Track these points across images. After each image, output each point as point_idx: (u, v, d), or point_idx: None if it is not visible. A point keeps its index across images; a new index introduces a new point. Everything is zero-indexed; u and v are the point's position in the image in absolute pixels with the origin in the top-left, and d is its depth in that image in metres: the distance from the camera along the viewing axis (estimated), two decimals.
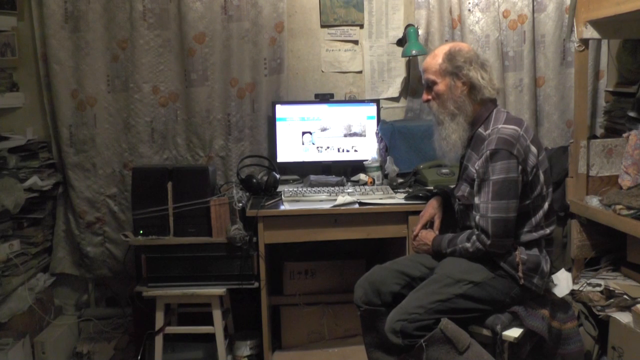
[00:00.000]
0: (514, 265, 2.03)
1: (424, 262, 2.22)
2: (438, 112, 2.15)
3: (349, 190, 2.73)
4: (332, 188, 2.78)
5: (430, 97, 2.16)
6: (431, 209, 2.32)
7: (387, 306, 2.12)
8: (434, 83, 2.13)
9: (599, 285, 2.48)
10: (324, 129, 3.09)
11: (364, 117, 3.10)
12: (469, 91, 2.09)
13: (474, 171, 2.06)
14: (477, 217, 2.02)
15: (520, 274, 2.02)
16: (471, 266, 2.05)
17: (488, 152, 1.98)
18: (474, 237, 2.04)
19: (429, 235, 2.24)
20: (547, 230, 2.09)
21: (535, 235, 2.06)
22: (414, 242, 2.30)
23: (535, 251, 2.06)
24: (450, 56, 2.10)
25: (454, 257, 2.12)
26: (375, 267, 2.27)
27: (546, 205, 2.07)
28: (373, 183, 2.88)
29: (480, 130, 2.10)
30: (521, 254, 2.03)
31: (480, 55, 2.16)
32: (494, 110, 2.11)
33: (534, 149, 2.03)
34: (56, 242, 3.08)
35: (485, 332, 2.05)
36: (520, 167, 1.98)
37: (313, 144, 3.09)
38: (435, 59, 2.13)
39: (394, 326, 1.97)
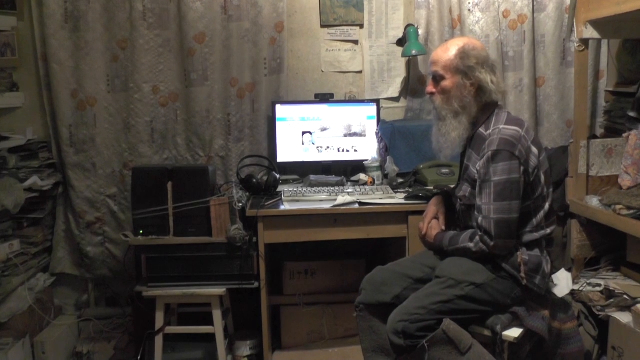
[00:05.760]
0: (516, 266, 2.02)
1: (426, 262, 2.21)
2: (441, 108, 2.10)
3: (349, 190, 2.73)
4: (332, 188, 2.78)
5: (435, 90, 2.11)
6: (434, 206, 2.30)
7: (390, 307, 2.09)
8: (442, 78, 2.07)
9: (599, 285, 2.48)
10: (324, 129, 3.09)
11: (364, 117, 3.10)
12: (476, 92, 2.06)
13: (475, 171, 2.05)
14: (480, 219, 2.00)
15: (522, 274, 2.01)
16: (473, 267, 2.05)
17: (490, 153, 1.96)
18: (477, 238, 2.02)
19: (432, 232, 2.22)
20: (548, 230, 2.08)
21: (536, 235, 2.05)
22: (423, 239, 2.27)
23: (536, 252, 2.05)
24: (464, 54, 2.04)
25: (455, 256, 2.11)
26: (377, 268, 2.26)
27: (547, 206, 2.07)
28: (373, 183, 2.88)
29: (481, 130, 2.08)
30: (523, 254, 2.02)
31: (491, 57, 2.12)
32: (495, 111, 2.09)
33: (535, 150, 2.02)
34: (56, 242, 3.08)
35: (486, 332, 2.05)
36: (522, 168, 1.96)
37: (313, 144, 3.09)
38: (447, 53, 2.06)
39: (396, 326, 1.97)
